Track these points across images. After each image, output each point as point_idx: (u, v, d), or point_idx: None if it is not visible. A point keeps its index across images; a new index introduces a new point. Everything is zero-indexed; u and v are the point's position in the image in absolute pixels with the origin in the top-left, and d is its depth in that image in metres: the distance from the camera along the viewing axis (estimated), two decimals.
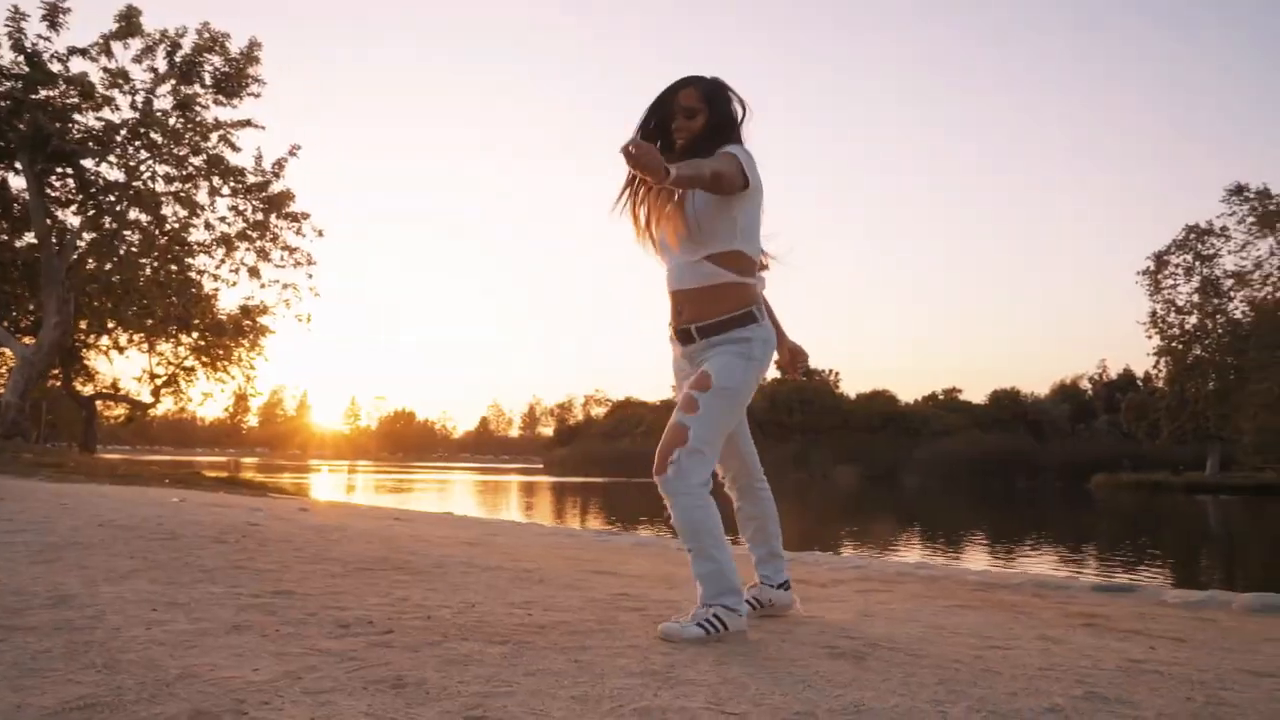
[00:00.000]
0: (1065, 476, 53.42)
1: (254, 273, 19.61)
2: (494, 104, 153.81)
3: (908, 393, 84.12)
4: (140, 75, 16.78)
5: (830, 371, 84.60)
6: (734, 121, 2.23)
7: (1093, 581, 3.52)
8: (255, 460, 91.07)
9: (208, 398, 26.09)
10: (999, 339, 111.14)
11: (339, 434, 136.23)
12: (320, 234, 19.78)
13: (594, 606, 2.50)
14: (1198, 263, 46.15)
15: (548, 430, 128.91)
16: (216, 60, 17.52)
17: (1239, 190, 44.73)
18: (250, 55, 17.79)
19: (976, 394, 76.63)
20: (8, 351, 18.71)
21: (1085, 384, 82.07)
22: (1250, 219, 44.31)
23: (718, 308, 2.15)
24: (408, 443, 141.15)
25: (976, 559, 13.88)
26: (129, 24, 16.52)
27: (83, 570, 2.60)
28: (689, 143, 2.21)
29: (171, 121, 17.33)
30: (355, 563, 3.14)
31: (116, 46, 16.49)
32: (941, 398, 76.82)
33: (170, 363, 22.28)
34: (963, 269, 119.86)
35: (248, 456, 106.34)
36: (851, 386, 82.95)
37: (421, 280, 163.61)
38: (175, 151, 17.48)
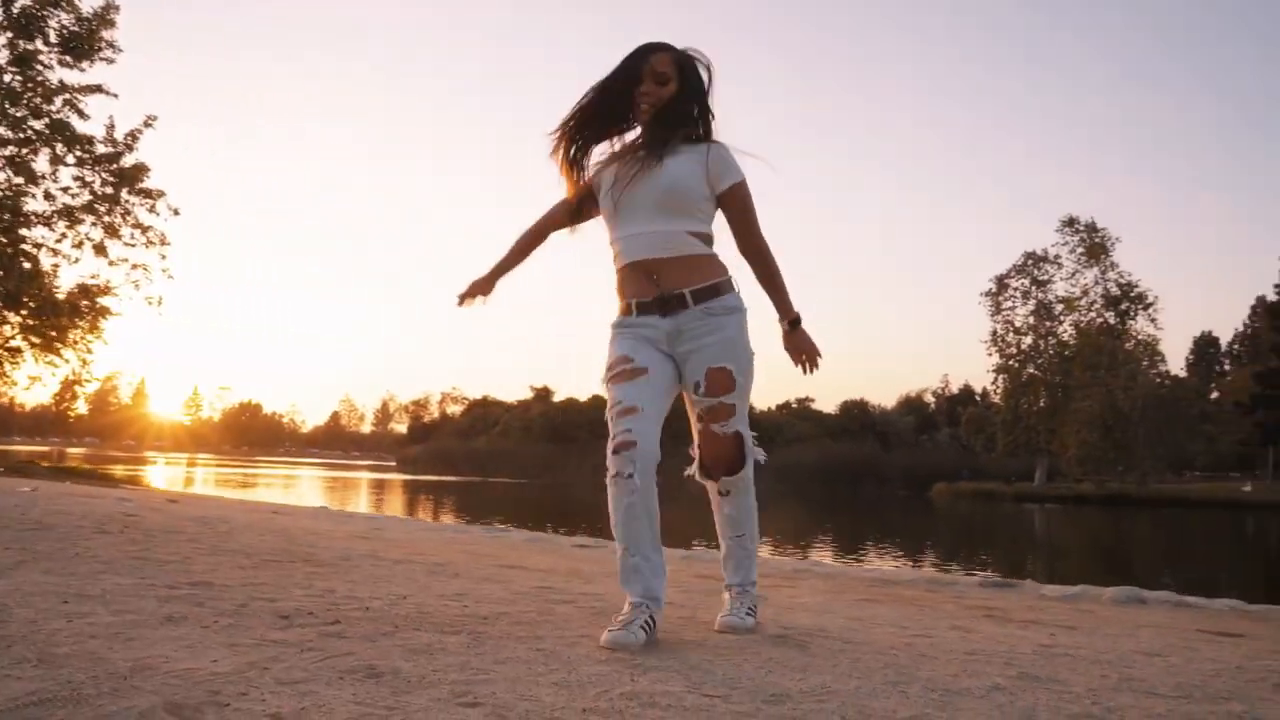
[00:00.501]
0: (909, 485, 56.56)
1: (100, 250, 18.21)
2: (362, 101, 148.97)
3: (762, 400, 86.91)
4: None
5: None
6: (704, 95, 2.14)
7: (979, 578, 3.76)
8: (83, 451, 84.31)
9: (35, 382, 23.94)
10: (850, 352, 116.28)
11: (178, 425, 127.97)
12: (176, 213, 18.58)
13: (525, 599, 2.49)
14: (1034, 287, 49.91)
15: (401, 427, 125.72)
16: (64, 17, 16.22)
17: (1071, 222, 48.63)
18: (105, 17, 16.55)
19: (827, 404, 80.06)
20: None
21: (929, 398, 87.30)
22: (1080, 249, 48.29)
23: (705, 275, 2.06)
24: (253, 436, 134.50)
25: (826, 559, 14.47)
26: None
27: None
28: (658, 110, 2.09)
29: (7, 79, 15.92)
30: (259, 555, 2.99)
31: None
32: (795, 406, 79.91)
33: None
34: (816, 282, 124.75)
35: (74, 446, 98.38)
36: None
37: (275, 268, 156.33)
38: (11, 112, 16.06)
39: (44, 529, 3.20)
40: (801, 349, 2.15)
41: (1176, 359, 58.14)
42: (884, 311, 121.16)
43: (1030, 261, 50.11)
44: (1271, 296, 51.50)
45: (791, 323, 2.16)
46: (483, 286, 2.26)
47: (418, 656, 1.61)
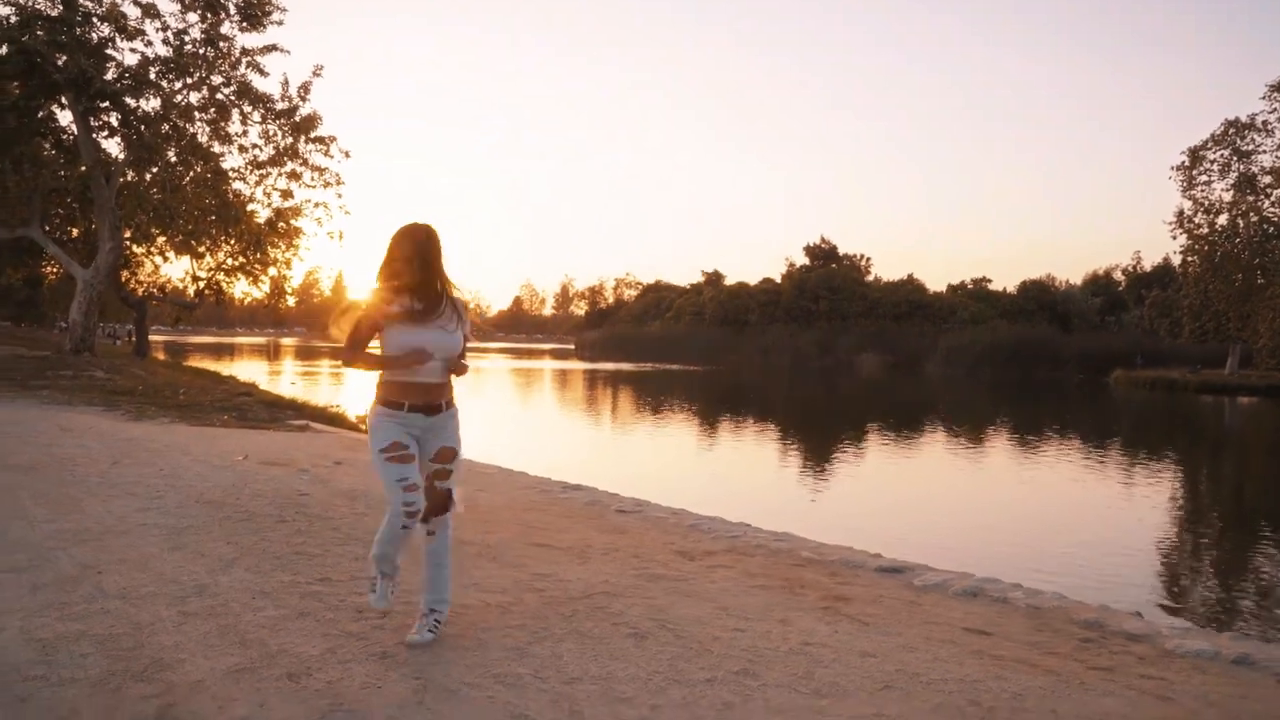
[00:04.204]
0: (1087, 369, 54.66)
1: (286, 195, 21.00)
2: None
3: (936, 281, 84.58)
4: (167, 5, 17.76)
5: (860, 256, 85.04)
6: (437, 262, 3.21)
7: (879, 563, 4.95)
8: (294, 341, 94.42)
9: (247, 295, 28.10)
10: (1035, 226, 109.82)
11: None
12: (347, 155, 21.02)
13: (517, 590, 4.02)
14: (1235, 159, 45.65)
15: (580, 310, 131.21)
16: None
17: None
18: None
19: (1008, 282, 76.83)
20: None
21: (1119, 276, 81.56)
22: None
23: (450, 394, 3.31)
24: None
25: (981, 459, 15.35)
26: None
27: (202, 558, 4.18)
28: (420, 285, 3.16)
29: (201, 52, 18.36)
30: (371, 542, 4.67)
31: None
32: (970, 286, 77.33)
33: (211, 269, 24.06)
34: (1002, 154, 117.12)
35: (286, 337, 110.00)
36: (883, 272, 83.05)
37: (453, 155, 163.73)
38: (208, 81, 18.59)
39: (248, 519, 5.04)
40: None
41: None
42: (1075, 181, 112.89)
43: (1231, 131, 45.66)
44: None
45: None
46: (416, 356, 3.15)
47: (411, 647, 3.17)
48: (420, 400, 3.19)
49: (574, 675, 3.00)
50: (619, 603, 3.87)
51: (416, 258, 3.15)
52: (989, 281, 77.41)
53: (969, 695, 2.96)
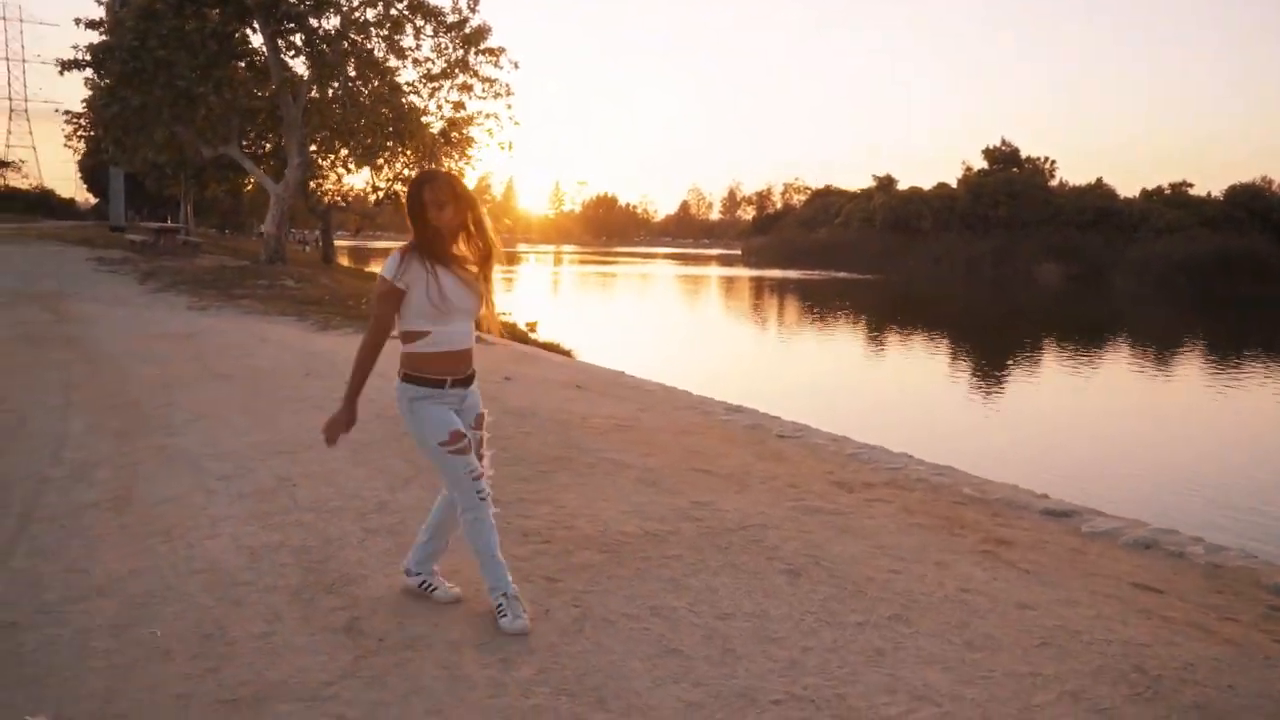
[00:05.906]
0: None
1: (458, 106, 21.59)
2: None
3: (1129, 186, 77.47)
4: None
5: (1044, 160, 78.92)
6: (475, 202, 2.86)
7: (1045, 505, 4.72)
8: None
9: None
10: (1246, 126, 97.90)
11: (544, 218, 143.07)
12: (516, 66, 21.30)
13: (674, 519, 4.12)
14: None
15: (747, 215, 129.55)
16: None
17: None
18: None
19: (1214, 187, 69.44)
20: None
21: None
22: None
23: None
24: (610, 227, 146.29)
25: (1171, 388, 14.32)
26: None
27: (382, 475, 4.52)
28: (449, 230, 2.83)
29: None
30: (537, 463, 4.91)
31: None
32: (1167, 193, 70.62)
33: (390, 179, 25.32)
34: (1210, 45, 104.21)
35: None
36: (1069, 176, 76.76)
37: (622, 64, 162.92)
38: None
39: None
40: None
41: None
42: None
43: None
44: None
45: None
46: (346, 421, 2.90)
47: (571, 573, 3.33)
48: (462, 372, 2.91)
49: (727, 611, 3.08)
50: (774, 535, 3.91)
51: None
52: (1190, 186, 70.24)
53: (1133, 660, 2.83)
